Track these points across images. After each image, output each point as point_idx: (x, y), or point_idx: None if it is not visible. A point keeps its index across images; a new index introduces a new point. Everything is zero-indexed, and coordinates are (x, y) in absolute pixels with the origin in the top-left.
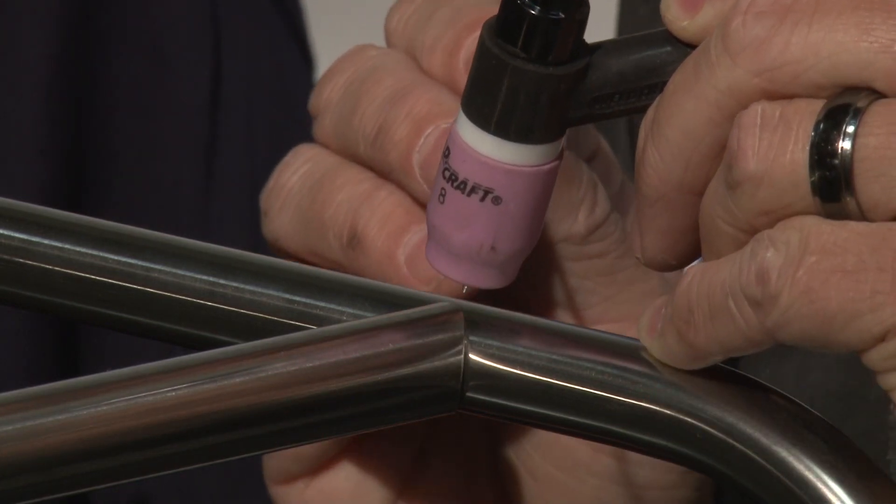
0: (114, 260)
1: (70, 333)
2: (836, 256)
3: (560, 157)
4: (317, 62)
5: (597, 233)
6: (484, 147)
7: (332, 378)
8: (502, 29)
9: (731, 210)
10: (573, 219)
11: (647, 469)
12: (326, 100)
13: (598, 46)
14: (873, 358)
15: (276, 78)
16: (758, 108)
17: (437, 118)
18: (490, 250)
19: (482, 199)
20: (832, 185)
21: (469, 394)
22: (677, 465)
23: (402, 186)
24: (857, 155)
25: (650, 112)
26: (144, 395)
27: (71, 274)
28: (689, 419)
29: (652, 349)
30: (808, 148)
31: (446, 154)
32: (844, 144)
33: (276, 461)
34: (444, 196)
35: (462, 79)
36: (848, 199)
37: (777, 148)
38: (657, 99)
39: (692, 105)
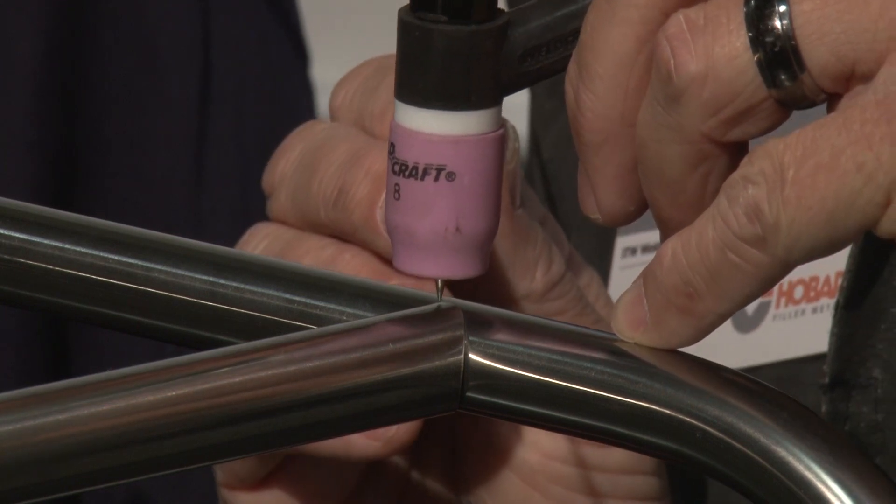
0: (114, 260)
1: (61, 333)
2: (811, 157)
3: (503, 127)
4: (311, 57)
5: (554, 290)
6: (426, 125)
7: (332, 378)
8: (419, 1)
9: (679, 124)
10: (531, 277)
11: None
12: (280, 175)
13: (515, 7)
14: (886, 227)
15: (267, 74)
16: (680, 17)
17: None
18: (455, 232)
19: (436, 179)
20: (779, 59)
21: (469, 393)
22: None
23: (366, 246)
24: (797, 23)
25: (573, 61)
26: (144, 395)
27: (71, 274)
28: (689, 419)
29: (647, 341)
30: (744, 33)
31: (392, 151)
32: (780, 17)
33: (225, 468)
34: (398, 191)
35: None
36: (801, 76)
37: (714, 43)
38: (577, 45)
39: (618, 31)
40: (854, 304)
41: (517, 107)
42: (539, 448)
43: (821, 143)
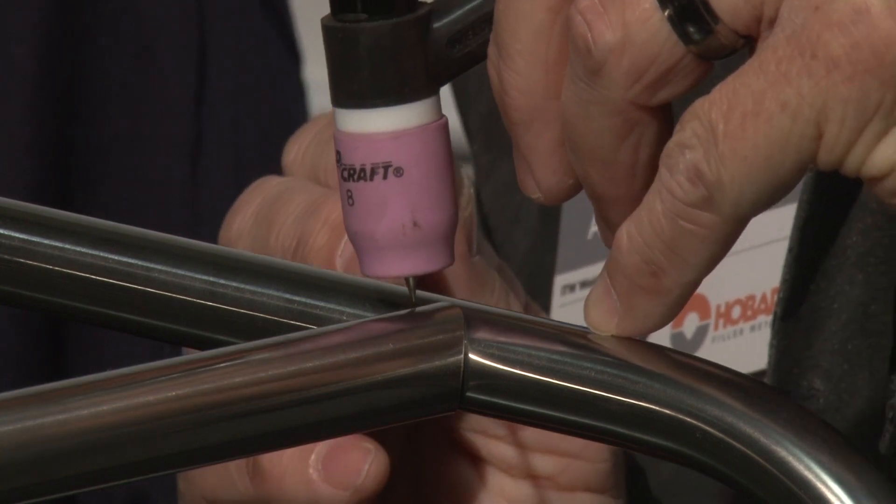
0: (114, 260)
1: (59, 333)
2: (736, 108)
3: (443, 117)
4: (304, 57)
5: None
6: (365, 125)
7: (332, 378)
8: (338, 3)
9: (604, 97)
10: None
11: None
12: (238, 231)
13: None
14: (825, 159)
15: (263, 75)
16: None
17: None
18: (414, 227)
19: (385, 177)
20: (689, 12)
21: (469, 393)
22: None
23: None
24: None
25: (491, 42)
26: (144, 395)
27: (71, 274)
28: (689, 419)
29: (622, 331)
30: None
31: (339, 159)
32: None
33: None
34: (351, 197)
35: None
36: (715, 27)
37: (624, 9)
38: (493, 24)
39: (528, 4)
40: (791, 314)
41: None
42: (505, 494)
43: (742, 91)
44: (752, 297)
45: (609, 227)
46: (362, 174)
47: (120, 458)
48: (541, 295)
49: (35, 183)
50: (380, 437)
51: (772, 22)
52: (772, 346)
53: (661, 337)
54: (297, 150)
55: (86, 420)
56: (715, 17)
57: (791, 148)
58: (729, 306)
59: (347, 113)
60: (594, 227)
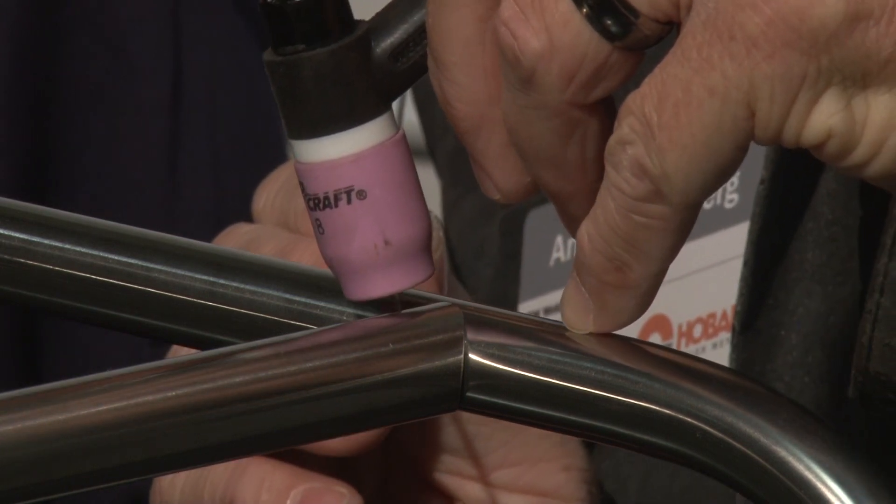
0: (114, 260)
1: (31, 334)
2: (667, 99)
3: (399, 130)
4: None
5: None
6: (322, 153)
7: (332, 378)
8: (276, 38)
9: (540, 102)
10: None
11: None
12: None
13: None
14: (762, 136)
15: (239, 73)
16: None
17: None
18: (385, 245)
19: (349, 201)
20: (605, 7)
21: (469, 393)
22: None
23: None
24: None
25: (428, 55)
26: (144, 395)
27: (71, 274)
28: (689, 419)
29: (599, 328)
30: None
31: (303, 190)
32: None
33: None
34: (320, 225)
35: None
36: (633, 19)
37: (545, 14)
38: (427, 38)
39: (456, 16)
40: (750, 327)
41: (429, 195)
42: None
43: (670, 82)
44: (712, 315)
45: (571, 221)
46: (327, 202)
47: (120, 458)
48: None
49: (10, 183)
50: (355, 480)
51: (689, 7)
52: (732, 360)
53: None
54: (265, 197)
55: (86, 420)
56: (634, 11)
57: (726, 130)
58: (690, 325)
59: (303, 144)
60: (556, 254)
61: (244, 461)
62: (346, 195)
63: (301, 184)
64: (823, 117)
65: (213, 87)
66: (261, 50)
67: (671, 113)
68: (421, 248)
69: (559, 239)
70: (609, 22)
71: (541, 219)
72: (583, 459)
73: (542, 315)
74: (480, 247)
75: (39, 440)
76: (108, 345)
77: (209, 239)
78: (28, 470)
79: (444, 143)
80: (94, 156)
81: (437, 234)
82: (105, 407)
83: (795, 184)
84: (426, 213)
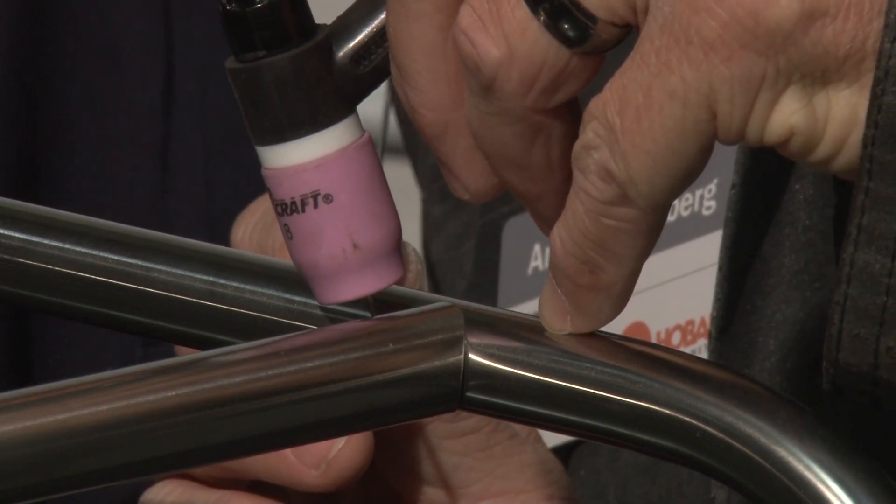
0: (114, 260)
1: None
2: (628, 104)
3: (364, 134)
4: None
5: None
6: (286, 159)
7: (332, 378)
8: (236, 45)
9: (502, 109)
10: None
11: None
12: None
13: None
14: (726, 137)
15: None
16: (468, 7)
17: None
18: (354, 249)
19: (316, 206)
20: (561, 13)
21: (469, 393)
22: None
23: None
24: None
25: (391, 62)
26: (144, 395)
27: (71, 274)
28: (689, 419)
29: (578, 328)
30: (523, 3)
31: (271, 196)
32: None
33: None
34: (289, 231)
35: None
36: (590, 24)
37: (503, 22)
38: (389, 46)
39: (417, 26)
40: (726, 333)
41: (409, 215)
42: None
43: (630, 86)
44: (691, 322)
45: (543, 221)
46: (294, 207)
47: (120, 458)
48: None
49: (0, 185)
50: None
51: (646, 10)
52: None
53: None
54: (243, 230)
55: (86, 420)
56: (591, 17)
57: (689, 133)
58: (669, 332)
59: (268, 150)
60: (534, 262)
61: (226, 496)
62: (313, 200)
63: (269, 190)
64: (785, 115)
65: (205, 88)
66: None
67: (633, 118)
68: (390, 250)
69: (537, 248)
70: (567, 28)
71: (519, 228)
72: (566, 489)
73: None
74: (461, 264)
75: (39, 440)
76: (98, 344)
77: (202, 239)
78: (28, 470)
79: (428, 156)
80: (86, 157)
81: (416, 266)
82: (105, 407)
83: (767, 188)
84: (394, 215)
